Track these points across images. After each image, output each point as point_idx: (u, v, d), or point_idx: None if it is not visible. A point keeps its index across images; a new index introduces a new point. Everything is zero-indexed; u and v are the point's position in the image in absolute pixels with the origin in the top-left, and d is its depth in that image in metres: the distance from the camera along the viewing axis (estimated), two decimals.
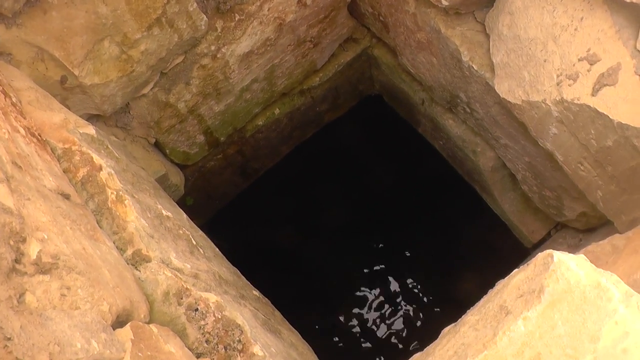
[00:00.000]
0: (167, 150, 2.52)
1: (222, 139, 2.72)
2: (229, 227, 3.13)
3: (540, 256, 0.76)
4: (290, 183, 3.36)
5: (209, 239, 1.96)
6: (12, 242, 1.00)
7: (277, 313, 1.98)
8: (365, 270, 3.34)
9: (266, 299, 1.99)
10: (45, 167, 1.36)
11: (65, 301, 1.05)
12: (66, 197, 1.34)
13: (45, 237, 1.10)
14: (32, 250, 1.04)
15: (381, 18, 2.59)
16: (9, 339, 0.79)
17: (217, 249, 1.94)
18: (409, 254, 3.37)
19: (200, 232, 1.92)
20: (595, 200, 1.87)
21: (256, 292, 1.91)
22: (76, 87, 1.92)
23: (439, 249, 3.24)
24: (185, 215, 1.91)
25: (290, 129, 3.10)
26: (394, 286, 3.27)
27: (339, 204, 3.37)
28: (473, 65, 2.19)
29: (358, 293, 3.27)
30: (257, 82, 2.58)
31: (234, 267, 1.97)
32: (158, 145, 2.50)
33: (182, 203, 2.53)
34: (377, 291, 3.27)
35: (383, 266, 3.35)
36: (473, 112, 2.47)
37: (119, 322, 1.19)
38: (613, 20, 1.55)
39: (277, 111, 2.87)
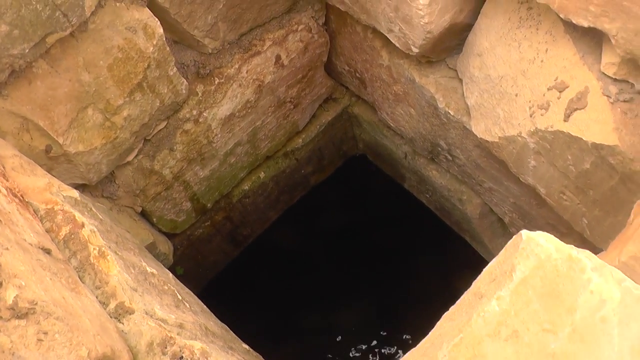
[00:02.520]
0: (154, 219, 2.51)
1: (209, 205, 2.73)
2: (221, 297, 3.08)
3: (510, 241, 0.76)
4: (281, 249, 3.35)
5: (195, 297, 1.93)
6: None
7: None
8: (361, 330, 3.29)
9: (257, 353, 1.93)
10: (27, 225, 1.36)
11: (42, 345, 1.02)
12: (47, 252, 1.33)
13: (23, 284, 1.08)
14: (8, 295, 1.02)
15: (357, 75, 2.67)
16: None
17: (204, 306, 1.91)
18: (404, 314, 3.33)
19: (187, 290, 1.89)
20: (582, 229, 1.87)
21: (246, 346, 1.86)
22: (61, 155, 1.94)
23: (436, 303, 3.19)
24: (171, 275, 1.89)
25: (277, 193, 3.11)
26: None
27: (331, 266, 3.35)
28: (449, 111, 2.24)
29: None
30: (240, 146, 2.62)
31: (222, 323, 1.92)
32: (145, 214, 2.49)
33: (172, 272, 2.50)
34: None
35: (382, 331, 3.30)
36: (455, 159, 2.50)
37: None
38: (576, 48, 1.60)
39: (262, 175, 2.89)
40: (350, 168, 3.41)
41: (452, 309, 0.84)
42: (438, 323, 0.86)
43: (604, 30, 1.44)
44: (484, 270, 0.78)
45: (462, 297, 0.83)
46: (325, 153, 3.18)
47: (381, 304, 3.33)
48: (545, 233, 0.72)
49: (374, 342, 3.25)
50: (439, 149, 2.55)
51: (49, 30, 1.64)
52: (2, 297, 1.00)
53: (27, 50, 1.63)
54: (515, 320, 0.65)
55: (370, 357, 3.23)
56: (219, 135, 2.46)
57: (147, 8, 1.88)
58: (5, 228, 1.19)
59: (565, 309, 0.64)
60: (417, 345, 0.87)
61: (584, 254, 0.69)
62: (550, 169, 1.80)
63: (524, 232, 0.73)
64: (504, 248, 0.77)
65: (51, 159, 1.95)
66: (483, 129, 2.05)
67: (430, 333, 0.86)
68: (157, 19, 1.91)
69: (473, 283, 0.83)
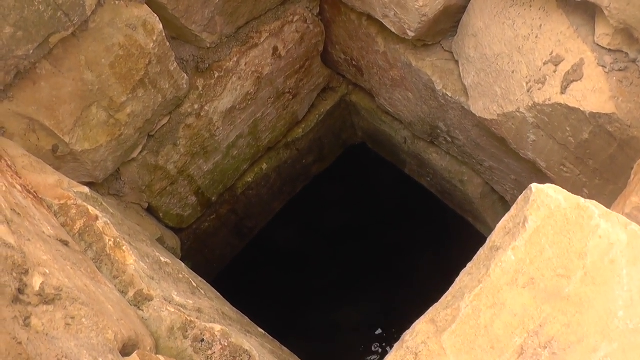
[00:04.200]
0: (161, 214, 2.54)
1: (213, 198, 2.76)
2: (229, 290, 3.12)
3: (521, 195, 0.79)
4: (285, 241, 3.39)
5: (209, 284, 1.96)
6: (15, 274, 1.02)
7: (286, 349, 1.96)
8: (368, 325, 3.33)
9: (273, 338, 1.97)
10: (43, 218, 1.39)
11: (70, 329, 1.05)
12: (65, 243, 1.37)
13: (47, 272, 1.11)
14: (35, 282, 1.06)
15: (354, 62, 2.70)
16: (19, 343, 0.80)
17: (218, 293, 1.94)
18: (411, 302, 3.37)
19: (201, 278, 1.93)
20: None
21: (261, 330, 1.90)
22: (68, 154, 1.97)
23: (444, 286, 3.23)
24: (183, 265, 1.93)
25: (280, 184, 3.15)
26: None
27: (334, 258, 3.39)
28: (447, 93, 2.27)
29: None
30: (242, 138, 2.65)
31: (237, 309, 1.96)
32: (151, 210, 2.53)
33: None
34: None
35: (386, 320, 3.34)
36: (454, 140, 2.54)
37: (125, 353, 1.19)
38: (570, 21, 1.63)
39: (264, 166, 2.93)
40: (350, 156, 3.45)
41: (469, 265, 0.87)
42: (457, 279, 0.89)
43: (596, 3, 1.47)
44: (498, 225, 0.81)
45: (478, 252, 0.86)
46: (325, 142, 3.21)
47: (385, 298, 3.37)
48: (553, 185, 0.75)
49: (377, 337, 3.29)
50: (439, 131, 2.58)
51: (51, 31, 1.67)
52: (30, 284, 1.03)
53: (31, 51, 1.66)
54: (530, 268, 0.69)
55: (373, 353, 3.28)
56: (221, 129, 2.49)
57: (145, 5, 1.91)
58: (24, 221, 1.23)
59: (577, 254, 0.68)
60: (440, 300, 0.90)
61: (591, 203, 0.72)
62: (550, 142, 1.84)
63: (534, 185, 0.76)
64: (515, 202, 0.81)
65: (58, 158, 1.98)
66: (481, 107, 2.08)
67: (450, 288, 0.90)
68: (156, 15, 1.94)
69: (488, 238, 0.86)
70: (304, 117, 2.96)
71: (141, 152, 2.26)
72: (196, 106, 2.32)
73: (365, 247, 3.41)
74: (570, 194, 0.73)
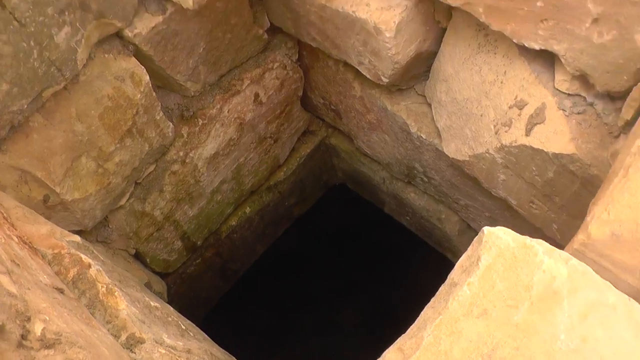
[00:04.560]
0: (148, 260, 2.60)
1: (199, 242, 2.82)
2: (217, 331, 3.16)
3: (476, 237, 0.88)
4: (270, 281, 3.44)
5: (197, 327, 2.01)
6: (18, 321, 1.08)
7: None
8: None
9: None
10: (39, 268, 1.45)
11: None
12: (61, 291, 1.42)
13: (47, 318, 1.17)
14: (37, 328, 1.12)
15: (332, 107, 2.82)
16: None
17: (206, 335, 1.99)
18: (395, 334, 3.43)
19: (189, 321, 1.98)
20: (553, 234, 2.01)
21: None
22: (58, 204, 2.04)
23: None
24: (172, 308, 1.98)
25: (263, 227, 3.22)
26: None
27: (319, 298, 3.45)
28: (422, 135, 2.38)
29: None
30: (226, 183, 2.73)
31: (225, 351, 2.01)
32: (138, 256, 2.58)
33: None
34: None
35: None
36: (431, 180, 2.64)
37: None
38: (531, 68, 1.76)
39: (248, 210, 3.01)
40: (331, 197, 3.54)
41: (432, 299, 0.96)
42: (422, 312, 0.98)
43: (553, 51, 1.60)
44: (457, 263, 0.91)
45: (440, 288, 0.95)
46: (306, 184, 3.30)
47: (368, 332, 3.43)
48: (503, 228, 0.85)
49: None
50: (415, 171, 2.69)
51: (45, 85, 1.75)
52: (32, 330, 1.09)
53: (25, 106, 1.74)
54: (484, 300, 0.78)
55: None
56: (206, 174, 2.57)
57: (133, 57, 2.01)
58: (23, 271, 1.29)
59: (524, 287, 0.77)
60: (407, 331, 0.99)
61: (536, 242, 0.82)
62: (519, 181, 1.95)
63: (486, 228, 0.86)
64: (471, 244, 0.90)
65: (49, 208, 2.05)
66: (454, 149, 2.19)
67: (416, 321, 0.99)
68: (143, 67, 2.04)
69: (448, 276, 0.96)
70: (285, 161, 3.06)
71: (128, 199, 2.33)
72: (181, 153, 2.40)
73: (347, 284, 3.47)
74: (517, 234, 0.83)
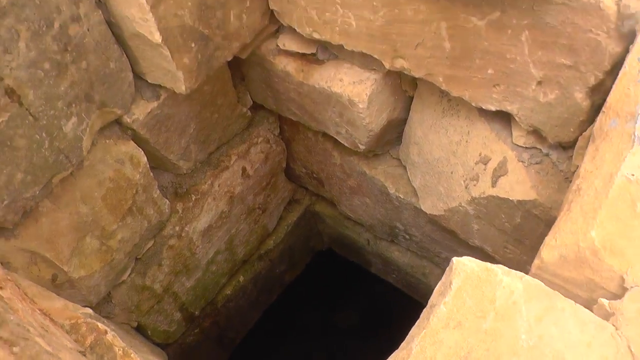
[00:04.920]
0: (149, 332, 2.71)
1: (196, 312, 2.94)
2: None
3: (447, 267, 1.07)
4: (265, 348, 3.53)
5: None
6: None
7: None
8: None
9: None
10: (62, 334, 1.58)
11: None
12: (83, 354, 1.55)
13: None
14: None
15: (315, 175, 3.01)
16: None
17: None
18: None
19: None
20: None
21: None
22: (65, 282, 2.17)
23: None
24: None
25: (257, 294, 3.35)
26: None
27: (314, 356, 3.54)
28: (400, 195, 2.58)
29: None
30: (220, 254, 2.88)
31: None
32: (140, 328, 2.69)
33: None
34: None
35: None
36: (412, 237, 2.82)
37: None
38: (491, 127, 1.98)
39: (241, 278, 3.14)
40: (319, 262, 3.69)
41: (417, 321, 1.14)
42: (410, 331, 1.14)
43: (508, 111, 1.82)
44: (434, 290, 1.08)
45: (422, 312, 1.13)
46: (295, 251, 3.46)
47: None
48: (468, 257, 1.03)
49: None
50: (397, 230, 2.87)
51: (54, 172, 1.92)
52: None
53: (37, 192, 1.90)
54: (457, 315, 0.95)
55: None
56: (201, 247, 2.72)
57: (132, 141, 2.19)
58: (51, 336, 1.42)
59: (489, 301, 0.95)
60: (400, 347, 1.15)
61: (496, 266, 1.00)
62: (491, 229, 2.14)
63: (455, 259, 1.04)
64: (444, 273, 1.09)
65: (57, 287, 2.17)
66: (430, 205, 2.38)
67: (406, 338, 1.15)
68: (141, 149, 2.22)
69: (428, 301, 1.14)
70: (274, 230, 3.23)
71: (130, 274, 2.46)
72: (177, 228, 2.56)
73: (340, 343, 3.57)
74: (480, 261, 1.02)
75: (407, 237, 2.85)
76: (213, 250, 2.82)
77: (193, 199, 2.58)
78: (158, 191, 2.37)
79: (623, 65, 1.29)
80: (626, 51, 1.39)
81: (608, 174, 1.15)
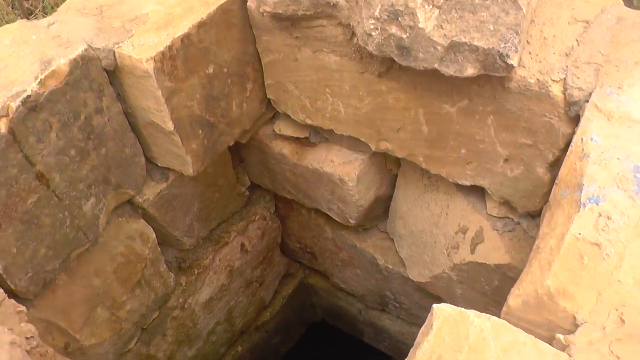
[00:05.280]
0: None
1: None
2: None
3: (429, 313, 1.26)
4: None
5: None
6: None
7: None
8: None
9: None
10: None
11: None
12: None
13: None
14: None
15: (308, 249, 3.21)
16: None
17: None
18: None
19: None
20: None
21: None
22: (77, 349, 2.31)
23: None
24: None
25: None
26: None
27: None
28: (389, 265, 2.78)
29: None
30: (219, 325, 3.03)
31: None
32: None
33: None
34: None
35: None
36: (402, 305, 3.00)
37: None
38: (467, 200, 2.21)
39: (239, 349, 3.28)
40: (313, 333, 3.83)
41: (407, 358, 1.32)
42: None
43: (481, 185, 2.06)
44: (420, 332, 1.27)
45: (409, 352, 1.32)
46: (290, 323, 3.61)
47: None
48: (446, 303, 1.23)
49: None
50: (387, 299, 3.05)
51: (73, 248, 2.11)
52: None
53: (57, 266, 2.08)
54: (439, 350, 1.13)
55: None
56: (202, 318, 2.88)
57: (142, 219, 2.40)
58: None
59: (463, 338, 1.13)
60: None
61: (469, 310, 1.20)
62: (473, 292, 2.33)
63: (434, 305, 1.23)
64: (427, 318, 1.28)
65: (68, 354, 2.31)
66: (417, 273, 2.58)
67: None
68: (150, 227, 2.42)
69: (414, 342, 1.33)
70: (270, 302, 3.39)
71: (135, 343, 2.61)
72: (181, 300, 2.73)
73: None
74: (456, 307, 1.21)
75: (397, 305, 3.03)
76: (214, 321, 2.98)
77: (196, 272, 2.76)
78: (164, 265, 2.55)
79: (570, 144, 1.54)
80: (574, 132, 1.64)
81: (560, 234, 1.37)
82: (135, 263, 2.40)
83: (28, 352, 1.15)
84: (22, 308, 1.12)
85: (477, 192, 2.16)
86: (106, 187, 2.16)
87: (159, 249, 2.50)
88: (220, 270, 2.88)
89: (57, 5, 3.87)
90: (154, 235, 2.44)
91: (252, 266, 3.09)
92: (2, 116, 1.72)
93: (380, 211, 2.72)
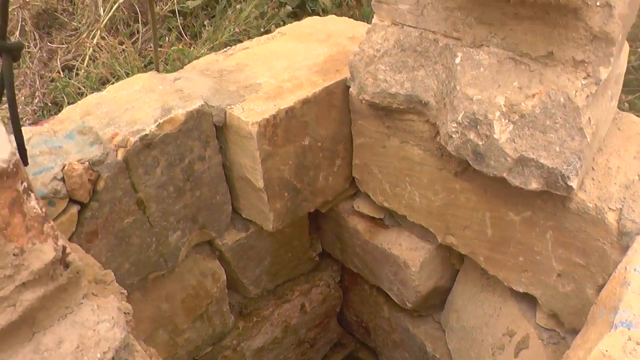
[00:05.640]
0: None
1: None
2: None
3: None
4: None
5: None
6: None
7: None
8: None
9: None
10: None
11: None
12: None
13: None
14: None
15: (363, 324, 3.32)
16: None
17: None
18: None
19: None
20: None
21: None
22: None
23: None
24: None
25: None
26: None
27: None
28: (436, 354, 2.84)
29: None
30: None
31: None
32: None
33: None
34: None
35: None
36: None
37: None
38: (519, 306, 2.28)
39: None
40: None
41: None
42: None
43: (533, 294, 2.14)
44: None
45: None
46: None
47: None
48: None
49: None
50: None
51: (152, 270, 2.35)
52: None
53: (135, 282, 2.33)
54: None
55: None
56: None
57: (217, 260, 2.63)
58: None
59: None
60: None
61: None
62: None
63: None
64: None
65: None
66: None
67: None
68: (222, 269, 2.65)
69: None
70: None
71: None
72: (234, 342, 2.90)
73: None
74: None
75: None
76: None
77: (254, 320, 2.94)
78: (227, 306, 2.76)
79: (614, 270, 1.63)
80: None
81: (589, 348, 1.45)
82: (202, 297, 2.62)
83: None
84: (124, 291, 1.38)
85: (529, 300, 2.24)
86: (193, 225, 2.41)
87: (226, 291, 2.71)
88: (277, 323, 3.05)
89: (183, 64, 4.35)
90: (225, 277, 2.66)
91: (308, 327, 3.23)
92: (121, 147, 2.02)
93: (437, 301, 2.81)
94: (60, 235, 1.03)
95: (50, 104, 4.78)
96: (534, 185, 1.76)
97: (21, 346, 1.05)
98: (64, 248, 1.04)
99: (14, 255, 0.94)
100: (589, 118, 1.67)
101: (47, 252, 1.00)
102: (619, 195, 1.75)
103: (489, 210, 2.11)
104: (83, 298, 1.15)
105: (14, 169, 0.90)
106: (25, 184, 0.93)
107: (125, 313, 1.23)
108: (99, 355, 1.07)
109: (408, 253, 2.60)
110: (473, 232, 2.23)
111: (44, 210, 0.99)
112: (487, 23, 1.84)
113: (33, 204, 0.97)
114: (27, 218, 0.93)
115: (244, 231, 2.63)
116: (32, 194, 0.95)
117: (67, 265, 1.06)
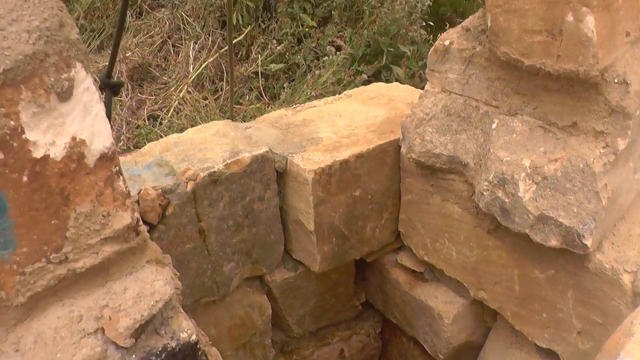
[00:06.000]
0: None
1: None
2: None
3: None
4: None
5: None
6: None
7: None
8: None
9: None
10: None
11: None
12: None
13: None
14: None
15: None
16: None
17: None
18: None
19: None
20: None
21: None
22: None
23: None
24: None
25: None
26: None
27: None
28: None
29: None
30: None
31: None
32: None
33: None
34: None
35: None
36: None
37: None
38: None
39: None
40: None
41: None
42: None
43: (555, 351, 2.24)
44: None
45: None
46: None
47: None
48: None
49: None
50: None
51: (204, 295, 2.58)
52: None
53: (188, 304, 2.57)
54: None
55: None
56: None
57: (265, 295, 2.85)
58: None
59: None
60: None
61: None
62: None
63: None
64: None
65: None
66: None
67: None
68: (269, 304, 2.87)
69: None
70: None
71: None
72: None
73: None
74: None
75: None
76: None
77: (294, 358, 3.12)
78: (270, 340, 2.95)
79: (621, 323, 1.75)
80: None
81: None
82: (248, 328, 2.83)
83: None
84: (177, 273, 1.68)
85: (553, 357, 2.34)
86: (247, 258, 2.65)
87: (270, 325, 2.92)
88: None
89: (255, 116, 4.72)
90: (270, 312, 2.87)
91: None
92: (191, 180, 2.31)
93: (469, 358, 2.92)
94: (136, 209, 1.34)
95: (132, 148, 5.24)
96: (553, 242, 1.92)
97: (97, 288, 1.40)
98: (138, 219, 1.37)
99: (102, 215, 1.30)
100: (606, 184, 1.83)
101: (126, 218, 1.35)
102: (635, 259, 1.89)
103: (517, 268, 2.26)
104: (146, 263, 1.48)
105: (112, 155, 1.25)
106: (117, 167, 1.27)
107: (175, 288, 1.50)
108: (152, 303, 1.40)
109: (443, 306, 2.75)
110: (502, 288, 2.37)
111: (127, 189, 1.34)
112: (521, 93, 2.06)
113: (120, 183, 1.32)
114: (115, 192, 1.28)
115: (293, 271, 2.85)
116: (121, 176, 1.29)
117: (138, 233, 1.38)
